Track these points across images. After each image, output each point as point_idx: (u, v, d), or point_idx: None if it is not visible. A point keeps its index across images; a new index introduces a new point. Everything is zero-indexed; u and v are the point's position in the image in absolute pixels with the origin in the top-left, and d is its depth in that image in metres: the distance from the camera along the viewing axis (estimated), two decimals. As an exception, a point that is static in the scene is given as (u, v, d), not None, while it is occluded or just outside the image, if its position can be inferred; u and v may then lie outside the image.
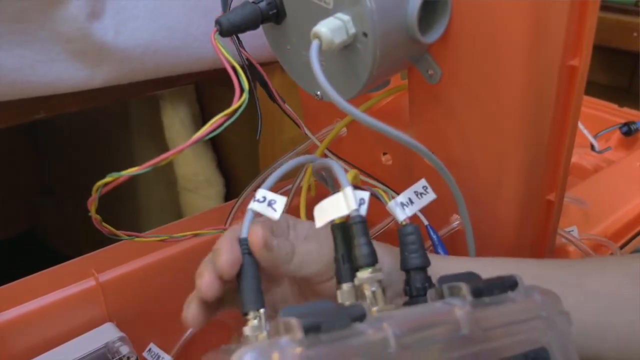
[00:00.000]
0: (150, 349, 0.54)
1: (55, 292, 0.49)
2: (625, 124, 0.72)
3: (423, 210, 0.46)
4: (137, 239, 0.42)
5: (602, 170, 0.67)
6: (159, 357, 0.54)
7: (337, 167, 0.35)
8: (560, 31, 0.37)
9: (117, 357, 0.48)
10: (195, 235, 0.46)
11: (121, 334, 0.49)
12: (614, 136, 0.73)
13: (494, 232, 0.43)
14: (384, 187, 0.42)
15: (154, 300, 0.54)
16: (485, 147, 0.41)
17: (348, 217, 0.34)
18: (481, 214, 0.42)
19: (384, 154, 0.51)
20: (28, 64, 0.57)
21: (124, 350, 0.48)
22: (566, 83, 0.39)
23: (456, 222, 0.46)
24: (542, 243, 0.45)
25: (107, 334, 0.50)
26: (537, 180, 0.42)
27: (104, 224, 0.40)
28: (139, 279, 0.53)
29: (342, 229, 0.34)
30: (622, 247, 0.54)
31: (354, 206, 0.32)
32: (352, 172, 0.44)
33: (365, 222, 0.33)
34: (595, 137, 0.70)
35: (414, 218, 0.46)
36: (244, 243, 0.34)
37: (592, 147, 0.71)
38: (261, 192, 0.34)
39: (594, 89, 0.55)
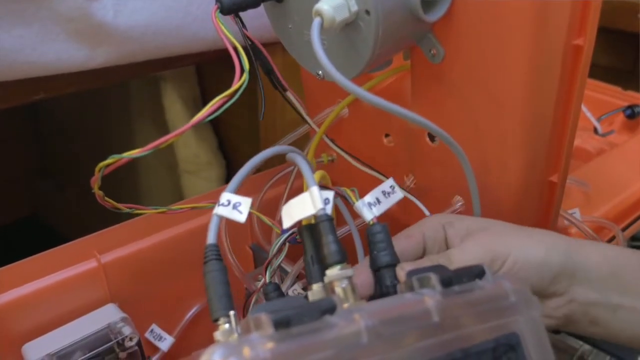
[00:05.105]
0: (152, 330, 0.55)
1: (57, 273, 0.49)
2: (629, 107, 0.71)
3: (423, 198, 0.46)
4: (136, 211, 0.43)
5: (605, 153, 0.67)
6: (160, 337, 0.54)
7: (304, 165, 0.35)
8: (564, 10, 0.36)
9: (120, 338, 0.48)
10: (193, 208, 0.46)
11: (123, 314, 0.49)
12: (617, 119, 0.72)
13: (495, 212, 0.43)
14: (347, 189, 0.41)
15: (156, 281, 0.55)
16: (488, 127, 0.41)
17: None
18: (483, 195, 0.42)
19: (386, 135, 0.51)
20: (27, 44, 0.57)
21: (126, 330, 0.48)
22: (570, 63, 0.38)
23: (458, 204, 0.45)
24: (544, 224, 0.45)
25: (109, 314, 0.50)
26: (540, 161, 0.42)
27: (106, 198, 0.41)
28: (141, 260, 0.53)
29: (310, 230, 0.34)
30: (624, 230, 0.54)
31: (320, 205, 0.32)
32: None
33: (331, 220, 0.32)
34: (598, 120, 0.70)
35: (413, 207, 0.46)
36: (211, 248, 0.32)
37: (595, 130, 0.70)
38: (225, 196, 0.34)
39: (597, 71, 0.54)
